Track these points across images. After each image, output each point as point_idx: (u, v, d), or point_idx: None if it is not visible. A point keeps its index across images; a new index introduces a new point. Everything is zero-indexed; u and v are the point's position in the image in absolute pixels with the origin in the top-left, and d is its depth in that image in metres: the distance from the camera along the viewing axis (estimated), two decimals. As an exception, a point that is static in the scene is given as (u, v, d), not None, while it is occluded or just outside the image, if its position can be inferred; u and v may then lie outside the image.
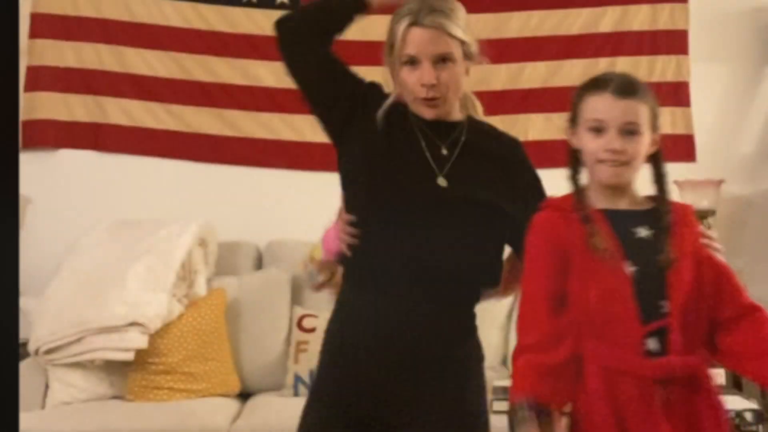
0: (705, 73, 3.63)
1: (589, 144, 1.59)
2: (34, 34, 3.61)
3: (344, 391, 1.70)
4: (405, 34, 1.70)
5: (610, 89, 1.57)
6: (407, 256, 1.67)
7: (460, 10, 1.73)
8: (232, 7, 3.65)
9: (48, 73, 3.61)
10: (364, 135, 1.75)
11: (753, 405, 2.95)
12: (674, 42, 3.65)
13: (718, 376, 3.10)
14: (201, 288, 3.14)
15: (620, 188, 1.62)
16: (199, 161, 3.61)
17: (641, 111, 1.59)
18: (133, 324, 2.83)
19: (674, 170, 3.55)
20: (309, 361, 2.94)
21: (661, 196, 1.66)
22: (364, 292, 1.71)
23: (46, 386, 2.87)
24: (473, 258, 1.70)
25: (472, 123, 1.83)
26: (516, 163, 1.83)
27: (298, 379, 2.98)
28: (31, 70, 3.60)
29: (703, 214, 3.36)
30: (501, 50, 3.65)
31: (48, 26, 3.61)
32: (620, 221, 1.59)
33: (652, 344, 1.51)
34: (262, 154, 3.59)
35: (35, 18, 3.61)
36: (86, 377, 2.87)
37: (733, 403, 2.97)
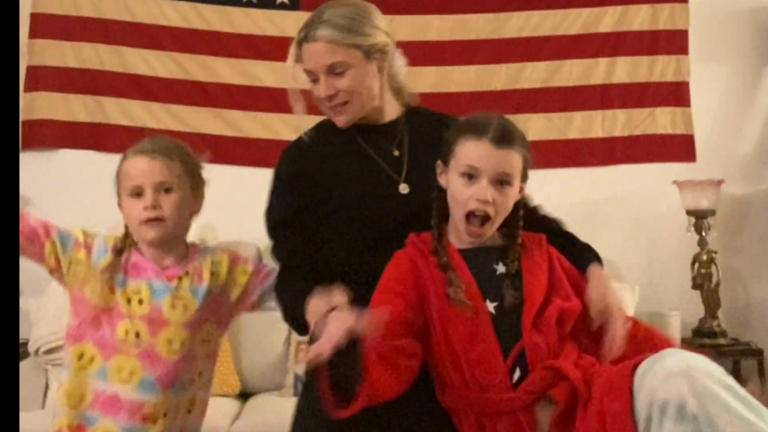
0: (705, 73, 3.63)
1: (459, 189, 1.57)
2: (34, 34, 3.61)
3: None
4: (300, 52, 1.74)
5: (488, 136, 1.55)
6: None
7: (359, 13, 1.73)
8: (232, 7, 3.65)
9: (48, 73, 3.61)
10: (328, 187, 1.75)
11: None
12: (674, 42, 3.65)
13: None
14: (201, 288, 3.13)
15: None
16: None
17: (515, 161, 1.58)
18: (133, 324, 2.83)
19: (674, 170, 3.62)
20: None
21: (512, 237, 1.63)
22: None
23: (46, 386, 2.87)
24: None
25: (410, 115, 1.83)
26: None
27: (298, 379, 2.98)
28: (31, 70, 3.60)
29: (703, 214, 3.37)
30: (501, 50, 3.66)
31: (48, 26, 3.61)
32: (479, 259, 1.60)
33: (517, 374, 1.50)
34: (262, 154, 3.59)
35: (35, 18, 3.61)
36: (86, 377, 2.87)
37: (733, 403, 2.97)
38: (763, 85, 3.66)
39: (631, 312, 3.08)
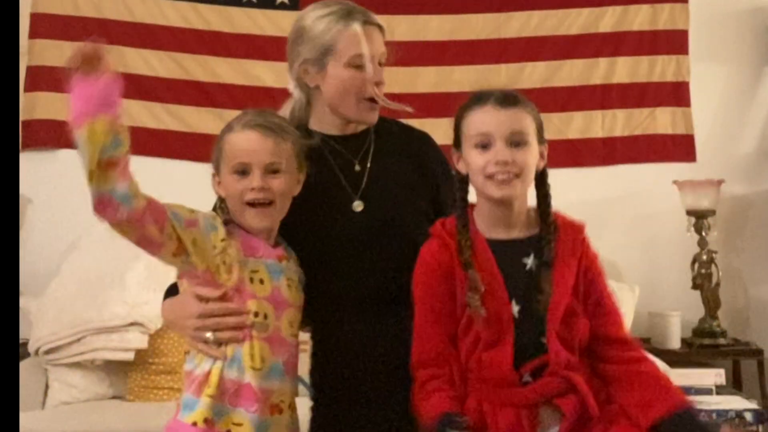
0: (705, 73, 3.63)
1: (476, 159, 1.49)
2: (34, 34, 3.61)
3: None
4: (360, 32, 1.69)
5: (491, 101, 1.50)
6: (352, 282, 1.66)
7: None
8: (232, 7, 3.65)
9: (48, 73, 3.60)
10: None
11: (753, 405, 2.95)
12: (674, 42, 3.65)
13: (718, 375, 3.12)
14: (201, 288, 3.13)
15: (511, 213, 1.52)
16: (199, 161, 3.60)
17: (526, 120, 1.51)
18: (133, 324, 2.83)
19: (674, 170, 3.62)
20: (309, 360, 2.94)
21: (545, 222, 1.53)
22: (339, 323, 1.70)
23: (46, 386, 2.87)
24: (405, 274, 1.59)
25: (379, 127, 1.78)
26: (428, 156, 1.80)
27: (297, 378, 2.98)
28: (31, 70, 3.60)
29: (703, 214, 3.37)
30: (501, 50, 3.66)
31: (48, 26, 3.61)
32: (508, 253, 1.51)
33: (527, 377, 1.47)
34: (262, 154, 3.59)
35: (35, 18, 3.61)
36: (86, 377, 2.87)
37: (733, 403, 2.97)
38: (763, 85, 3.66)
39: (631, 312, 3.08)
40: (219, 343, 1.52)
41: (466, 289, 1.47)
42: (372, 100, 1.69)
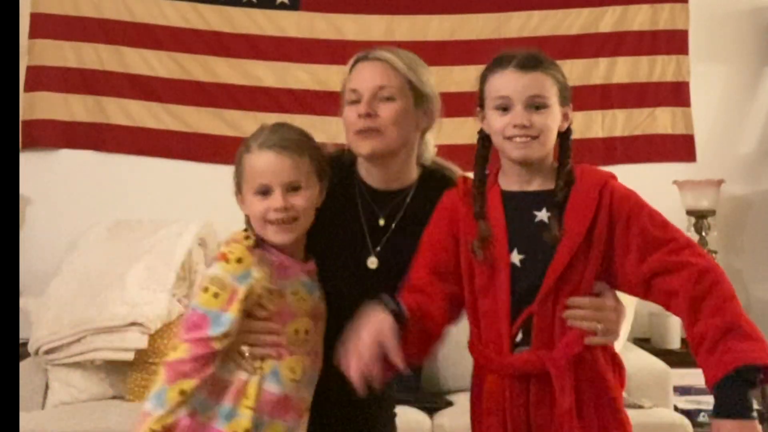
0: (705, 73, 3.63)
1: (496, 122, 1.53)
2: (34, 34, 3.61)
3: None
4: (352, 70, 1.69)
5: (512, 65, 1.52)
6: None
7: (417, 61, 1.74)
8: (232, 7, 3.65)
9: (48, 73, 3.61)
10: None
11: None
12: (674, 42, 3.65)
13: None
14: (201, 288, 3.13)
15: (532, 167, 1.54)
16: (199, 161, 3.61)
17: (547, 83, 1.53)
18: (133, 324, 2.83)
19: (674, 170, 3.61)
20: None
21: (558, 176, 1.54)
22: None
23: (46, 386, 2.87)
24: None
25: (424, 179, 1.75)
26: None
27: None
28: (31, 70, 3.60)
29: (703, 214, 3.37)
30: (501, 50, 3.65)
31: (48, 26, 3.61)
32: (520, 205, 1.54)
33: (519, 337, 1.49)
34: (262, 154, 3.59)
35: (35, 18, 3.61)
36: (86, 377, 2.87)
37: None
38: (763, 85, 3.66)
39: (631, 312, 3.08)
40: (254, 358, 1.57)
41: (473, 237, 1.51)
42: (361, 131, 1.66)
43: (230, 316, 1.51)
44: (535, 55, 1.56)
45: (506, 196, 1.55)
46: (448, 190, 1.62)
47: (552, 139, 1.54)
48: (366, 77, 1.67)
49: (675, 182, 3.42)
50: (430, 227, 1.60)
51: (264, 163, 1.58)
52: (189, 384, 1.49)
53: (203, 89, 3.63)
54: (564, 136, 1.57)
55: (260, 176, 1.58)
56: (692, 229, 3.38)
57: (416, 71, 1.71)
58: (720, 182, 3.37)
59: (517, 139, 1.50)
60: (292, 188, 1.58)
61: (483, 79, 1.58)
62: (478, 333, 1.54)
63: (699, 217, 3.37)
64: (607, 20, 3.66)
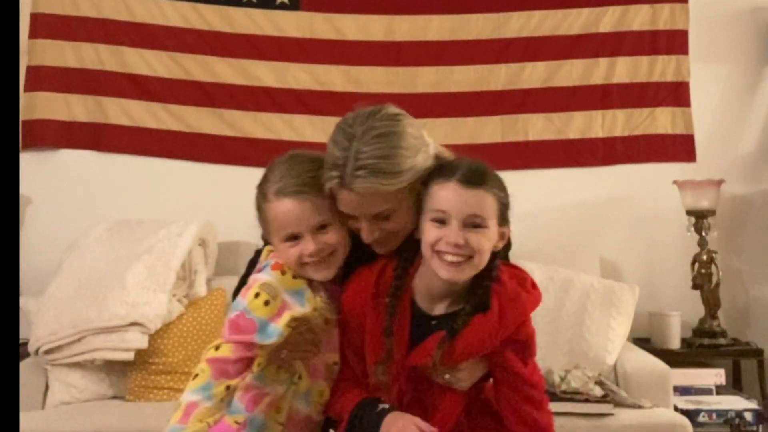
0: (705, 73, 3.63)
1: (429, 233, 1.48)
2: (34, 34, 3.61)
3: None
4: (338, 194, 1.54)
5: (456, 177, 1.47)
6: None
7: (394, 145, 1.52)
8: (232, 7, 3.65)
9: (48, 73, 3.61)
10: None
11: (753, 405, 2.96)
12: (674, 42, 3.65)
13: (718, 375, 3.12)
14: (201, 288, 3.13)
15: (450, 289, 1.53)
16: (199, 161, 3.61)
17: (487, 202, 1.47)
18: (133, 324, 2.83)
19: (674, 170, 3.62)
20: (309, 361, 2.94)
21: (471, 295, 1.53)
22: None
23: (46, 386, 2.87)
24: None
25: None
26: None
27: (298, 379, 2.98)
28: (31, 70, 3.60)
29: (703, 214, 3.37)
30: (501, 50, 3.66)
31: (48, 26, 3.61)
32: (425, 328, 1.53)
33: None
34: (262, 154, 3.59)
35: (35, 18, 3.61)
36: (86, 377, 2.87)
37: (733, 403, 2.97)
38: (763, 85, 3.66)
39: (631, 312, 3.08)
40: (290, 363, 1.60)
41: (382, 346, 1.54)
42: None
43: (278, 329, 1.52)
44: (480, 170, 1.50)
45: (415, 314, 1.55)
46: (357, 286, 1.58)
47: (485, 260, 1.50)
48: (354, 206, 1.54)
49: (675, 182, 3.42)
50: (347, 332, 1.62)
51: (285, 212, 1.55)
52: (232, 383, 1.50)
53: (203, 89, 3.63)
54: (494, 255, 1.52)
55: (285, 226, 1.56)
56: (692, 229, 3.38)
57: (398, 171, 1.50)
58: (720, 182, 3.37)
59: (449, 257, 1.46)
60: (320, 227, 1.56)
61: (427, 186, 1.52)
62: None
63: (699, 217, 3.37)
64: (607, 20, 3.66)
